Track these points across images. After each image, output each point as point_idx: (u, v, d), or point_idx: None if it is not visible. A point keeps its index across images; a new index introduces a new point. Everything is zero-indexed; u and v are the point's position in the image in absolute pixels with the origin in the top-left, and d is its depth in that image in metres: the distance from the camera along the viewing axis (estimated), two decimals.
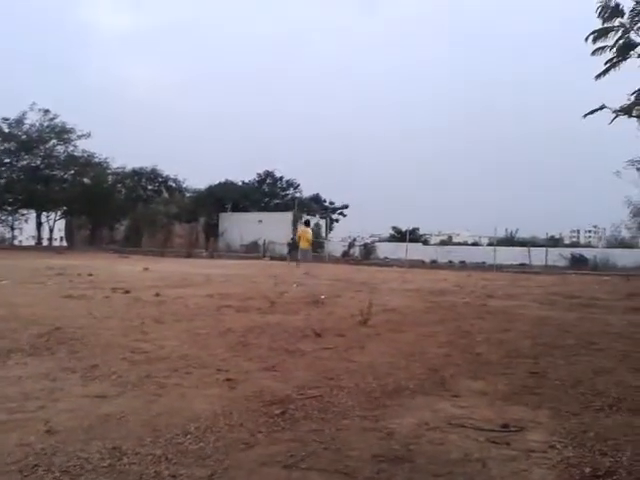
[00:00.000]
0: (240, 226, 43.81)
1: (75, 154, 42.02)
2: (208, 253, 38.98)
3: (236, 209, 48.12)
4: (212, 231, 46.49)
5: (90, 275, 15.38)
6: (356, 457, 3.20)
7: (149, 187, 48.55)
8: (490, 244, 44.32)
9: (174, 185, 48.89)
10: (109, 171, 44.85)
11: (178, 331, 7.20)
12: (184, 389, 4.53)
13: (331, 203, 53.73)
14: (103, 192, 42.08)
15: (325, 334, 7.20)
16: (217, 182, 49.27)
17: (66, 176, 42.97)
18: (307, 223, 20.17)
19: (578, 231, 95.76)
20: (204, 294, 11.53)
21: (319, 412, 4.00)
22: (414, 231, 47.76)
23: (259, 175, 51.92)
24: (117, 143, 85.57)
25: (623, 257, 36.33)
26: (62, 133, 40.95)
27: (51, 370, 5.00)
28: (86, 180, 42.86)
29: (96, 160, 43.08)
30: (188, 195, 49.28)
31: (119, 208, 44.17)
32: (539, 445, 3.43)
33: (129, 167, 46.62)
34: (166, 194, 48.04)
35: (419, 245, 42.29)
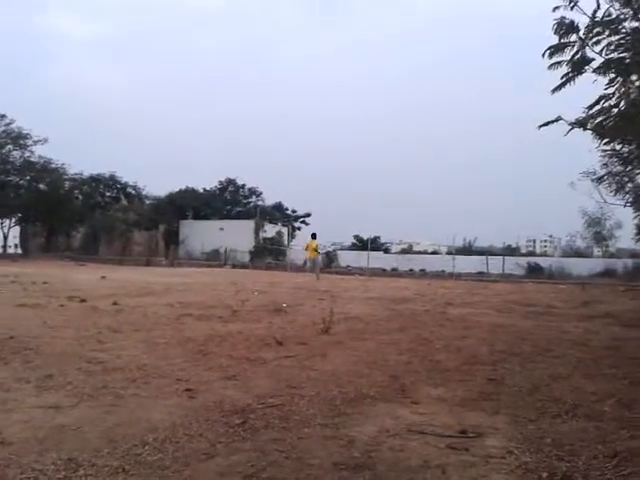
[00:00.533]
0: (201, 234, 43.33)
1: (31, 160, 40.91)
2: (168, 261, 38.41)
3: (197, 217, 47.60)
4: (172, 239, 45.84)
5: (45, 283, 14.96)
6: (317, 465, 3.20)
7: (107, 194, 47.57)
8: (449, 253, 45.08)
9: (133, 192, 48.04)
10: (66, 177, 43.80)
11: (136, 340, 7.07)
12: (142, 399, 4.45)
13: (293, 211, 53.67)
14: (59, 199, 41.05)
15: (287, 342, 7.18)
16: (178, 189, 48.67)
17: (22, 182, 41.81)
18: (314, 236, 23.93)
19: (534, 241, 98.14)
20: (163, 303, 11.35)
21: (280, 421, 3.99)
22: (375, 240, 48.16)
23: (221, 183, 51.49)
24: (75, 149, 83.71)
25: (578, 266, 37.45)
26: (18, 138, 39.84)
27: (4, 380, 4.84)
28: (42, 186, 41.78)
29: (53, 166, 42.03)
30: (148, 202, 48.48)
31: (76, 215, 43.16)
32: (497, 451, 3.49)
33: (87, 173, 45.65)
34: (125, 201, 47.16)
35: (380, 253, 42.69)
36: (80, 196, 45.70)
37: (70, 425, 3.73)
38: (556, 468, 3.20)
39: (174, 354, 6.30)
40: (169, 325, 8.49)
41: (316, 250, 23.22)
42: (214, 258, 40.24)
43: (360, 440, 3.63)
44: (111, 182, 47.00)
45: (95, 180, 46.25)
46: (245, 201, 52.28)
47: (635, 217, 25.01)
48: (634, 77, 7.16)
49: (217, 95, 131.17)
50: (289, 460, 3.28)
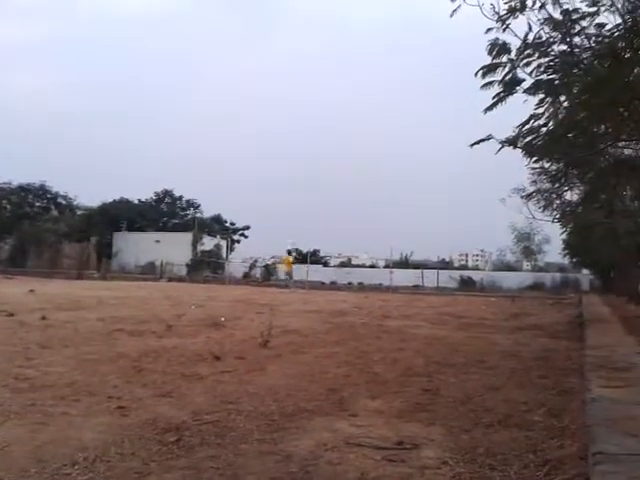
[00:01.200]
0: (136, 246, 42.18)
1: None
2: (100, 275, 37.13)
3: (132, 228, 46.26)
4: (105, 251, 44.33)
5: None
6: None
7: (37, 204, 45.57)
8: (387, 266, 45.89)
9: (64, 202, 46.22)
10: None
11: (66, 356, 6.79)
12: (72, 417, 4.27)
13: (232, 224, 53.16)
14: None
15: (224, 357, 7.07)
16: (111, 200, 47.23)
17: None
18: (289, 252, 30.37)
19: (467, 255, 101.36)
20: (95, 317, 10.94)
21: (216, 437, 3.91)
22: (315, 253, 48.40)
23: (157, 194, 50.38)
24: (3, 158, 79.87)
25: (508, 279, 38.93)
26: None
27: None
28: None
29: None
30: (79, 213, 46.78)
31: (3, 226, 41.13)
32: (433, 462, 3.54)
33: (15, 183, 43.65)
34: (55, 211, 45.35)
35: (319, 267, 42.91)
36: (8, 206, 43.61)
37: None
38: (489, 478, 3.28)
39: (106, 370, 6.07)
40: (101, 340, 8.19)
41: (292, 263, 28.14)
42: (149, 271, 39.23)
43: (297, 454, 3.60)
44: (41, 192, 45.09)
45: (24, 190, 44.27)
46: (182, 213, 51.33)
47: (562, 232, 26.17)
48: (562, 98, 7.51)
49: (151, 105, 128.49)
50: (224, 477, 3.21)
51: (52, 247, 41.65)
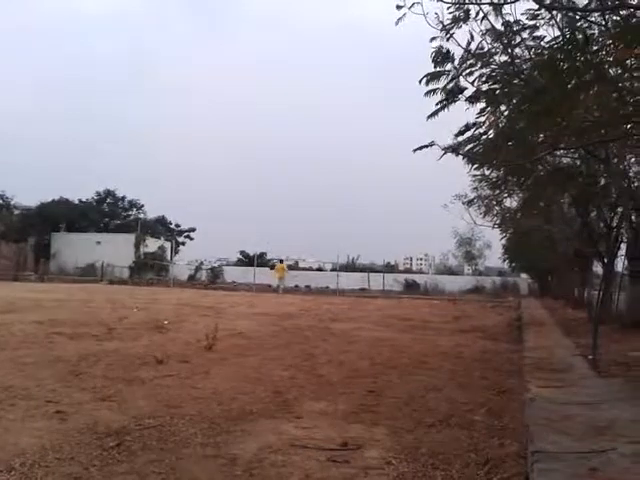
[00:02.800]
0: (75, 247, 40.75)
1: None
2: (38, 276, 35.76)
3: (72, 229, 44.68)
4: (43, 252, 42.66)
5: None
6: None
7: None
8: (333, 269, 46.16)
9: (1, 201, 44.26)
10: None
11: (1, 360, 6.51)
12: (8, 422, 4.10)
13: (177, 225, 52.13)
14: None
15: (167, 361, 6.93)
16: (50, 199, 45.46)
17: None
18: (281, 261, 35.19)
19: (411, 258, 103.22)
20: (32, 320, 10.51)
21: (158, 442, 3.83)
22: (262, 256, 48.13)
23: (98, 194, 48.78)
24: None
25: (450, 283, 39.88)
26: None
27: None
28: None
29: None
30: (16, 212, 44.85)
31: None
32: (376, 462, 3.59)
33: None
34: None
35: (267, 270, 42.57)
36: None
37: None
38: (432, 477, 3.35)
39: (43, 375, 5.85)
40: (38, 344, 7.89)
41: (283, 270, 32.48)
42: (89, 273, 38.03)
43: (242, 458, 3.57)
44: None
45: None
46: (125, 214, 49.93)
47: (502, 238, 27.07)
48: (503, 107, 7.74)
49: (95, 102, 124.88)
50: None
51: None
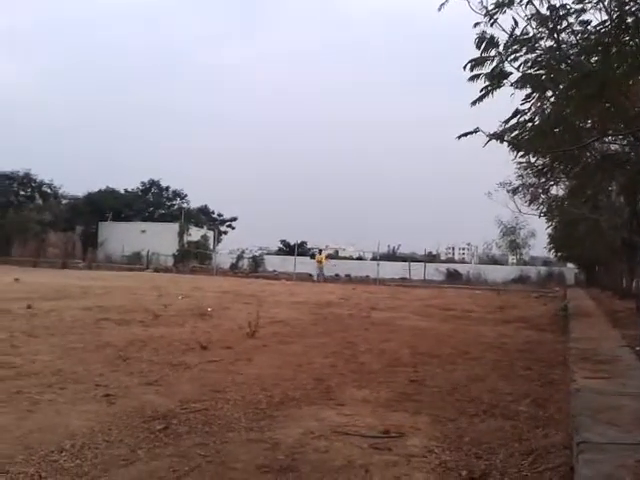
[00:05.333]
0: (122, 236, 41.76)
1: None
2: (86, 264, 36.83)
3: (118, 218, 45.82)
4: (91, 241, 43.93)
5: None
6: (241, 469, 3.16)
7: (21, 192, 44.87)
8: (374, 259, 45.96)
9: (49, 191, 45.58)
10: None
11: (52, 345, 6.76)
12: (59, 405, 4.26)
13: (220, 215, 52.87)
14: None
15: (211, 347, 7.07)
16: (97, 189, 46.71)
17: None
18: (320, 251, 36.76)
19: (453, 248, 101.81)
20: (81, 307, 10.87)
21: (203, 425, 3.92)
22: (302, 245, 48.35)
23: (143, 183, 49.89)
24: None
25: (494, 273, 39.20)
26: None
27: None
28: None
29: None
30: (64, 202, 46.20)
31: None
32: (419, 450, 3.58)
33: None
34: (40, 200, 44.73)
35: (307, 259, 42.81)
36: None
37: None
38: (475, 466, 3.32)
39: (92, 359, 6.06)
40: (87, 329, 8.15)
41: (322, 260, 33.96)
42: (135, 262, 38.97)
43: (285, 443, 3.62)
44: (25, 180, 44.40)
45: (8, 178, 43.57)
46: (169, 203, 50.89)
47: (548, 227, 26.41)
48: (549, 93, 7.55)
49: (138, 95, 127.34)
50: (212, 464, 3.22)
51: (37, 236, 41.13)
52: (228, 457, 3.33)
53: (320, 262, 34.09)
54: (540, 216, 21.37)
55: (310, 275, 34.71)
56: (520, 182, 15.03)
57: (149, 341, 7.33)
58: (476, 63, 7.43)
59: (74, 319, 9.13)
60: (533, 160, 10.69)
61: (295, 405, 4.57)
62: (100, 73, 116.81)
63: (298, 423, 4.06)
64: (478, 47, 7.37)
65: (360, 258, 57.36)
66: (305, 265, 36.93)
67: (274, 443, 3.60)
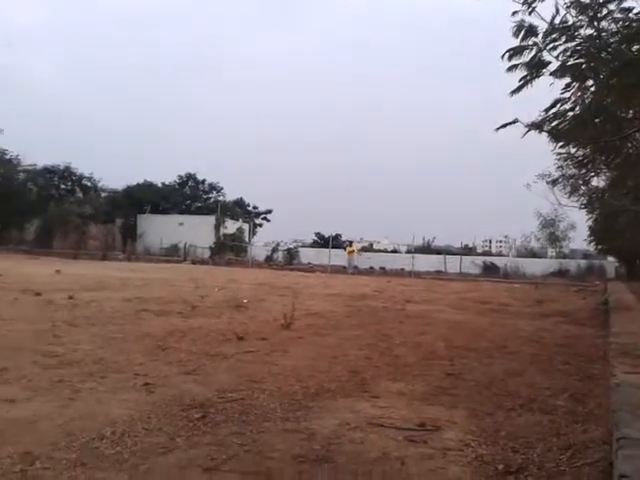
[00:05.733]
0: (160, 229, 42.52)
1: None
2: (125, 256, 37.63)
3: (156, 211, 46.67)
4: (130, 233, 44.86)
5: None
6: (278, 458, 3.21)
7: (62, 186, 45.97)
8: (409, 252, 45.67)
9: (89, 184, 46.57)
10: (20, 169, 42.31)
11: (93, 335, 6.94)
12: (99, 394, 4.37)
13: (255, 208, 53.31)
14: (12, 190, 39.64)
15: (247, 338, 7.16)
16: (135, 182, 47.61)
17: None
18: (350, 244, 37.58)
19: (490, 240, 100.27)
20: (121, 298, 11.13)
21: (240, 415, 3.98)
22: (336, 237, 48.34)
23: (180, 177, 50.61)
24: (30, 140, 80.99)
25: (532, 266, 38.47)
26: None
27: None
28: None
29: (7, 157, 40.55)
30: (104, 195, 47.20)
31: (29, 207, 41.69)
32: (455, 443, 3.57)
33: (41, 165, 44.14)
34: (80, 194, 45.80)
35: (341, 251, 42.83)
36: (34, 188, 44.20)
37: (26, 419, 3.65)
38: (511, 460, 3.29)
39: (132, 349, 6.20)
40: (126, 320, 8.35)
41: (353, 252, 34.94)
42: (173, 253, 39.63)
43: (320, 433, 3.65)
44: (66, 174, 45.50)
45: (49, 172, 44.75)
46: (205, 196, 51.52)
47: (588, 219, 25.80)
48: (589, 82, 7.38)
49: (173, 88, 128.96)
50: (249, 453, 3.27)
51: (77, 229, 42.17)
52: (265, 446, 3.38)
53: (352, 254, 34.26)
54: (580, 208, 20.90)
55: (344, 267, 34.70)
56: (560, 173, 14.72)
57: (187, 332, 7.46)
58: (514, 52, 7.31)
59: (114, 310, 9.35)
60: (573, 151, 10.47)
61: (330, 396, 4.60)
62: (138, 69, 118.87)
63: (333, 414, 4.09)
64: (516, 36, 7.25)
65: (395, 251, 57.10)
66: (339, 257, 36.89)
67: (310, 433, 3.64)
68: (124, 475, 2.88)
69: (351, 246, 35.99)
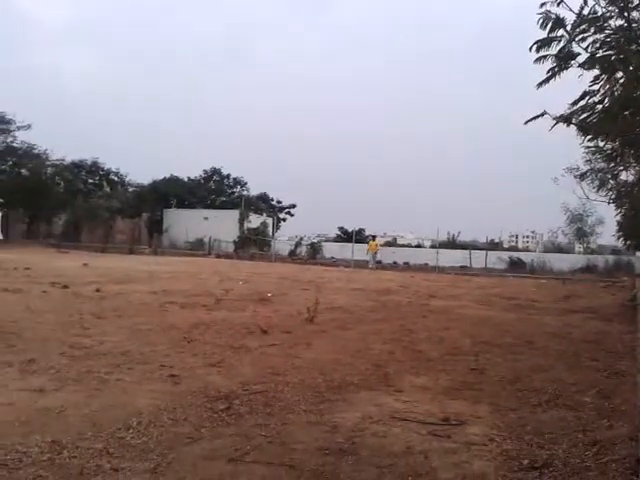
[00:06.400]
0: (185, 223, 42.91)
1: (14, 145, 40.12)
2: (151, 249, 38.07)
3: (181, 205, 47.10)
4: (156, 227, 45.35)
5: (27, 269, 14.78)
6: (301, 450, 3.23)
7: (90, 180, 46.64)
8: (433, 246, 45.26)
9: (116, 179, 47.21)
10: (48, 163, 43.01)
11: (120, 327, 7.05)
12: (126, 384, 4.45)
13: (278, 202, 53.44)
14: (41, 184, 40.34)
15: (271, 331, 7.20)
16: (161, 177, 48.12)
17: (3, 167, 40.95)
18: (374, 237, 37.28)
19: (516, 236, 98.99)
20: (147, 290, 11.29)
21: (264, 407, 4.01)
22: (360, 232, 48.17)
23: (205, 172, 50.95)
24: (58, 135, 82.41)
25: (559, 261, 37.79)
26: (0, 123, 39.06)
27: None
28: (24, 172, 40.99)
29: (35, 152, 41.26)
30: (131, 190, 47.77)
31: (58, 201, 42.40)
32: (479, 438, 3.55)
33: (69, 159, 44.83)
34: (107, 188, 46.44)
35: (364, 246, 42.74)
36: (62, 182, 44.95)
37: (54, 408, 3.73)
38: (537, 455, 3.26)
39: (158, 341, 6.29)
40: (153, 312, 8.46)
41: (375, 246, 34.08)
42: (198, 247, 39.96)
43: (344, 426, 3.67)
44: (93, 168, 46.17)
45: (77, 166, 45.44)
46: (230, 191, 51.82)
47: (617, 214, 25.26)
48: (619, 75, 7.22)
49: (200, 84, 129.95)
50: (273, 445, 3.30)
51: (105, 222, 42.79)
52: (288, 438, 3.40)
53: (374, 248, 33.77)
54: (609, 203, 20.51)
55: (367, 262, 34.58)
56: (588, 167, 14.45)
57: (212, 324, 7.54)
58: (542, 44, 7.20)
59: (141, 302, 9.49)
60: (602, 144, 10.27)
61: (353, 390, 4.61)
62: (166, 68, 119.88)
63: (357, 407, 4.10)
64: (543, 27, 7.13)
65: (419, 246, 56.69)
66: (363, 252, 36.75)
67: (333, 426, 3.66)
68: (150, 464, 2.93)
69: (374, 240, 35.37)
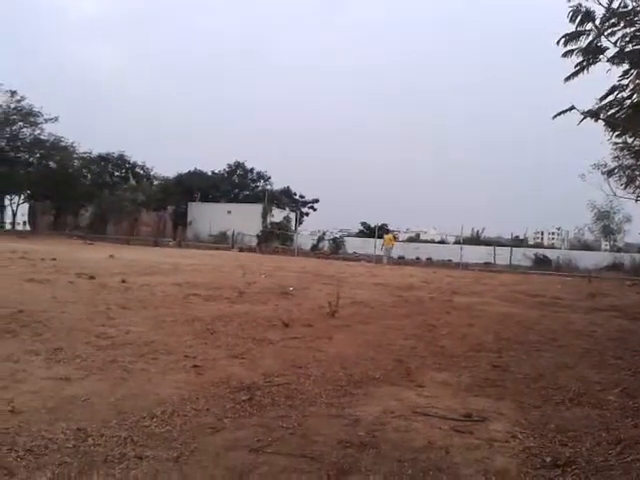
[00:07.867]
0: (209, 216, 43.33)
1: (41, 137, 40.80)
2: (176, 242, 38.50)
3: (205, 199, 47.53)
4: (180, 220, 45.90)
5: (54, 260, 15.04)
6: (322, 442, 3.24)
7: (116, 173, 47.31)
8: (457, 242, 44.92)
9: (142, 172, 47.79)
10: (75, 156, 43.68)
11: (144, 317, 7.14)
12: (150, 374, 4.51)
13: (301, 197, 53.58)
14: (68, 177, 41.02)
15: (293, 324, 7.23)
16: (186, 171, 48.61)
17: (31, 159, 41.72)
18: (387, 231, 36.28)
19: (542, 233, 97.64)
20: (171, 282, 11.42)
21: (286, 399, 4.04)
22: (382, 227, 48.02)
23: (229, 166, 51.29)
24: (85, 128, 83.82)
25: (585, 259, 37.20)
26: (29, 116, 39.68)
27: (14, 352, 4.92)
28: (52, 164, 41.71)
29: (63, 144, 41.92)
30: (156, 183, 48.36)
31: (84, 194, 43.09)
32: (501, 435, 3.53)
33: (95, 152, 45.49)
34: (133, 181, 47.00)
35: None
36: (89, 175, 45.64)
37: (79, 396, 3.80)
38: (560, 453, 3.23)
39: (182, 332, 6.37)
40: (177, 304, 8.56)
41: (389, 242, 32.60)
42: (221, 241, 40.28)
43: (365, 420, 3.67)
44: (120, 161, 46.80)
45: (104, 159, 46.10)
46: (253, 185, 52.09)
47: None
48: None
49: (224, 79, 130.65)
50: (294, 436, 3.33)
51: (130, 215, 43.37)
52: (309, 430, 3.42)
53: (390, 242, 32.92)
54: (637, 200, 20.09)
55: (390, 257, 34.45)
56: (616, 164, 14.18)
57: (235, 317, 7.60)
58: (570, 37, 7.08)
59: (165, 294, 9.60)
60: (630, 140, 10.07)
61: (375, 384, 4.61)
62: (190, 64, 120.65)
63: (378, 402, 4.10)
64: (572, 20, 7.01)
65: (442, 242, 56.32)
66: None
67: (354, 420, 3.66)
68: (173, 453, 2.97)
69: (389, 234, 34.92)
